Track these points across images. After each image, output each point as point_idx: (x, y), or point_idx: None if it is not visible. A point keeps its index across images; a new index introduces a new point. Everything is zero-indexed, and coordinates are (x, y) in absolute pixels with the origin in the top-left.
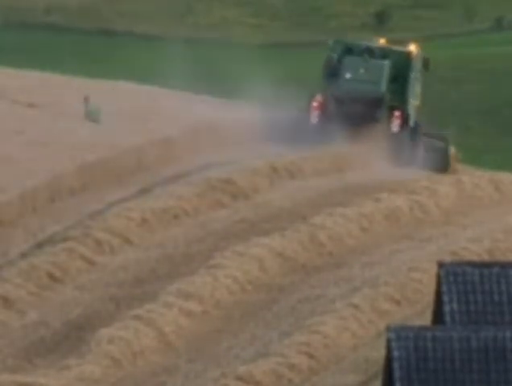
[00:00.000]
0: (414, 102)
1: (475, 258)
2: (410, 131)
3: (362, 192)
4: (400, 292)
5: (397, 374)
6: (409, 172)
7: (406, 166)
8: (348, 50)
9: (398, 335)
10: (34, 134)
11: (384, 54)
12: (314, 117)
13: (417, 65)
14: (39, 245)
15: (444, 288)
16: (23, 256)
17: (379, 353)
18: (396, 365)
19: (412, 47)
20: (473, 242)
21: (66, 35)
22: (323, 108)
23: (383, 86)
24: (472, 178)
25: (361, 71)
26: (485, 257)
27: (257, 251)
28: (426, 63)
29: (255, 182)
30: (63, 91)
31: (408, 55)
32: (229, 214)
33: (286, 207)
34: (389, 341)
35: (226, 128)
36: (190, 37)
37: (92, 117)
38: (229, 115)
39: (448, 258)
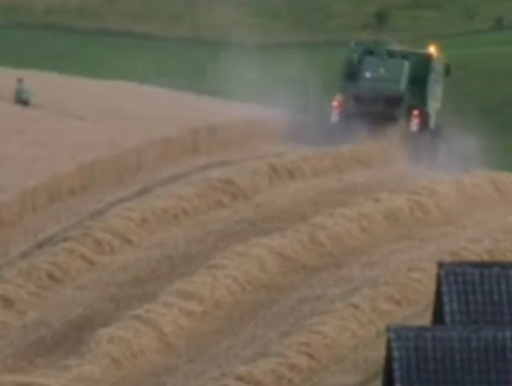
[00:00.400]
0: (434, 104)
1: (475, 258)
2: (431, 132)
3: (362, 192)
4: (400, 292)
5: (397, 374)
6: (409, 172)
7: (425, 166)
8: (369, 52)
9: (398, 335)
10: (34, 134)
11: (404, 55)
12: (334, 115)
13: (437, 67)
14: (39, 245)
15: (444, 288)
16: (23, 256)
17: (379, 353)
18: (396, 365)
19: (432, 49)
20: (473, 242)
21: (66, 35)
22: (343, 107)
23: (403, 85)
24: (472, 178)
25: (381, 70)
26: (485, 257)
27: (257, 251)
28: (447, 69)
29: (255, 182)
30: (63, 91)
31: (428, 56)
32: (229, 214)
33: (286, 207)
34: (389, 341)
35: (226, 127)
36: (190, 37)
37: (22, 97)
38: (229, 115)
39: (448, 258)
